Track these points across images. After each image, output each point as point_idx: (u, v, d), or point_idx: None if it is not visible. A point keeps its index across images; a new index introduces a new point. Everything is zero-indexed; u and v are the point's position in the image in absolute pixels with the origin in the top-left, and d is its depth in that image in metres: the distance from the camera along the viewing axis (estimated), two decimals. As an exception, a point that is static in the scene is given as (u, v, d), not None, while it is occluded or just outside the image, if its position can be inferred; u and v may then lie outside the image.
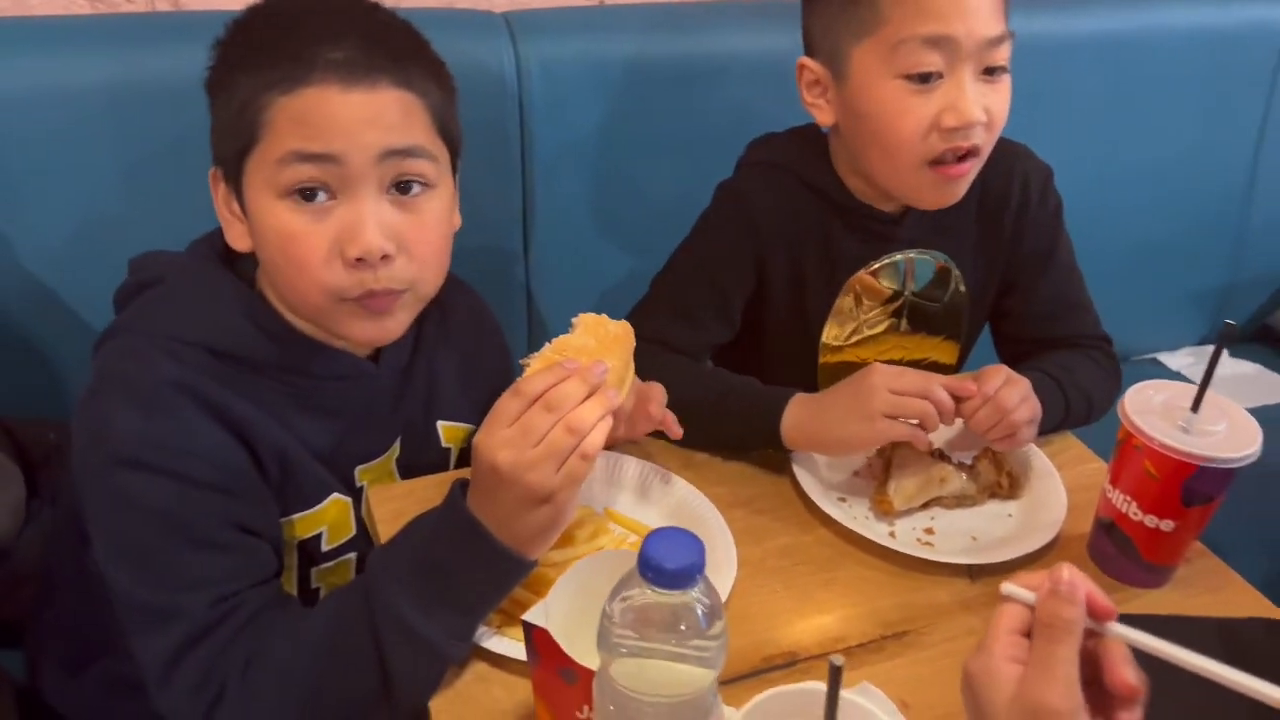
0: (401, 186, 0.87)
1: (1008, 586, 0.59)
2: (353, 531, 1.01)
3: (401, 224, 0.87)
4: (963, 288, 1.19)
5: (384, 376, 1.01)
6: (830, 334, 1.19)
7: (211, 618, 0.82)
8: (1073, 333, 1.19)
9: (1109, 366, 1.17)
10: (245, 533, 0.87)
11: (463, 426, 1.11)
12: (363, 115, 0.84)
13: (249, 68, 0.85)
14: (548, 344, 0.85)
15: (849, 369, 1.17)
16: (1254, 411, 0.89)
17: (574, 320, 0.87)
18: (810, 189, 1.13)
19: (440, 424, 1.09)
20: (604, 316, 0.87)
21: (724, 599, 0.83)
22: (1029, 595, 0.59)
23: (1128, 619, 0.87)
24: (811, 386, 1.12)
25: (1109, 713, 0.58)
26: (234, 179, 0.88)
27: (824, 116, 1.10)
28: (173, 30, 1.26)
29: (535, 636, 0.72)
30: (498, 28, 1.35)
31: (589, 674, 0.70)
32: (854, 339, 1.20)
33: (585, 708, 0.73)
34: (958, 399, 0.97)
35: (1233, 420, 0.88)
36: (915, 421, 0.96)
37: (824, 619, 0.88)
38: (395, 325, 0.91)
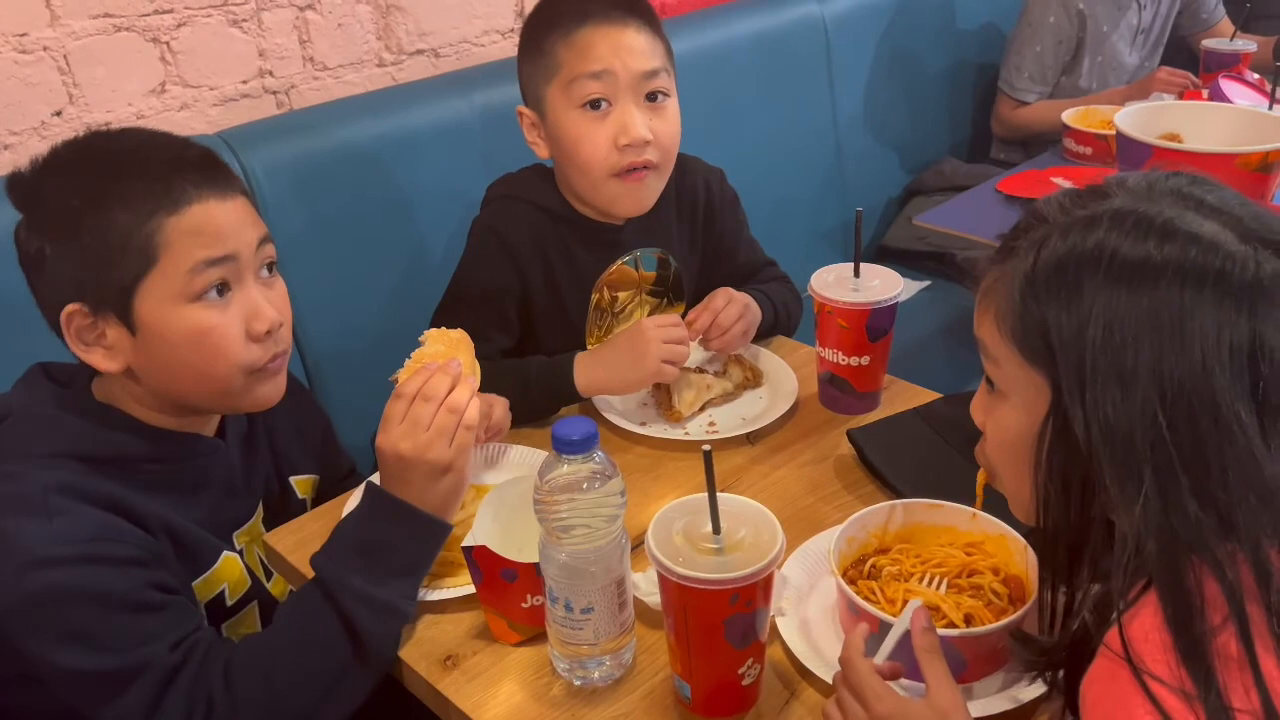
0: (269, 267, 1.06)
1: (882, 653, 0.82)
2: (249, 584, 1.14)
3: (275, 300, 1.06)
4: (676, 267, 1.49)
5: (231, 447, 1.15)
6: (592, 335, 1.46)
7: (176, 659, 0.94)
8: (766, 279, 1.54)
9: (795, 294, 1.54)
10: (167, 592, 0.99)
11: (308, 478, 1.27)
12: (239, 219, 1.03)
13: (120, 203, 0.97)
14: (408, 358, 1.05)
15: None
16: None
17: (421, 337, 1.08)
18: (548, 214, 1.39)
19: (292, 480, 1.24)
20: (443, 328, 1.09)
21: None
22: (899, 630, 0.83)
23: (863, 429, 1.21)
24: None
25: None
26: (117, 306, 0.99)
27: (542, 151, 1.38)
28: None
29: (475, 555, 0.93)
30: (219, 148, 1.51)
31: (527, 567, 0.92)
32: (612, 329, 1.47)
33: (529, 596, 0.94)
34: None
35: (882, 277, 1.25)
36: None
37: (661, 501, 1.14)
38: (284, 382, 1.09)
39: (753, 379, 1.35)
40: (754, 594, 0.82)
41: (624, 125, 1.29)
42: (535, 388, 1.29)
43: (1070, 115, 2.12)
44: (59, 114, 1.52)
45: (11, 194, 1.02)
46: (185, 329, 1.00)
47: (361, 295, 1.64)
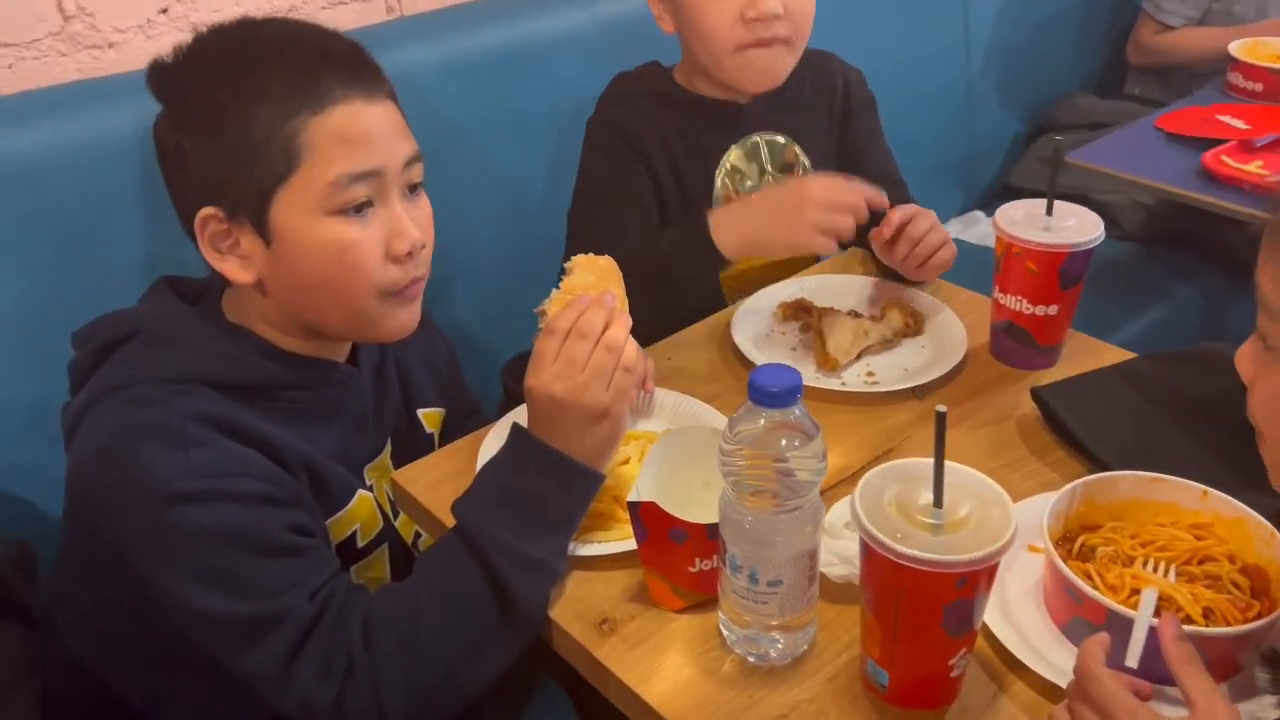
0: (413, 188, 0.96)
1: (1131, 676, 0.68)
2: (380, 524, 1.06)
3: (419, 219, 0.97)
4: (808, 163, 1.38)
5: (364, 375, 1.06)
6: None
7: (313, 610, 0.87)
8: (897, 201, 1.40)
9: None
10: (304, 535, 0.92)
11: (436, 411, 1.18)
12: (388, 126, 0.93)
13: (263, 98, 0.88)
14: (555, 288, 0.94)
15: (745, 278, 1.34)
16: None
17: (568, 265, 0.97)
18: (665, 100, 1.32)
19: (420, 412, 1.16)
20: (591, 255, 0.97)
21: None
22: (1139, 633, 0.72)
23: (1051, 387, 1.08)
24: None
25: None
26: (253, 212, 0.90)
27: (667, 25, 1.31)
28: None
29: (641, 511, 0.83)
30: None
31: (699, 528, 0.82)
32: None
33: (697, 560, 0.84)
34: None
35: (1078, 216, 1.11)
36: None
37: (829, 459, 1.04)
38: (419, 310, 0.99)
39: (913, 325, 1.22)
40: (980, 579, 0.71)
41: None
42: (670, 251, 1.21)
43: (1237, 47, 1.93)
44: (164, 11, 1.42)
45: (152, 84, 0.94)
46: (323, 242, 0.91)
47: (469, 215, 1.53)
